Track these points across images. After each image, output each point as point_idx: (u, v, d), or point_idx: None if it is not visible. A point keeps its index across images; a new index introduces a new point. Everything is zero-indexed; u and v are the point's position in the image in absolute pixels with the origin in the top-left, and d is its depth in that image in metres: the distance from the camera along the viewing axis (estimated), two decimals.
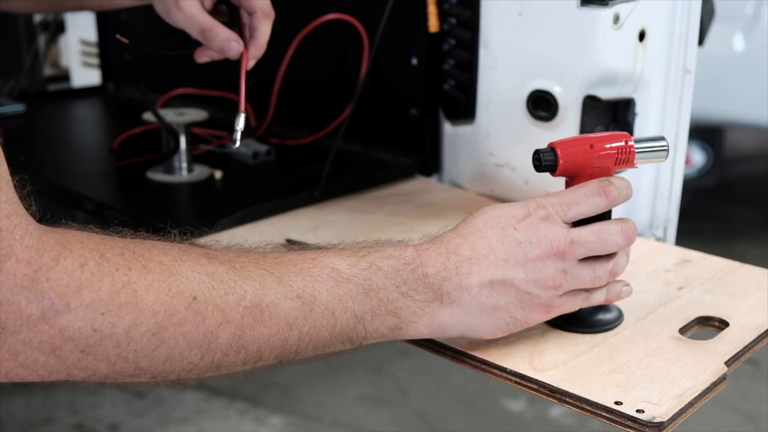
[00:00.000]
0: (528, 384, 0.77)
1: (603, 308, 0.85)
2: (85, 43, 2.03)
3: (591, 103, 1.06)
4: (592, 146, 0.80)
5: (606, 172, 0.81)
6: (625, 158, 0.81)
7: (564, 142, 0.81)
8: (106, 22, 1.75)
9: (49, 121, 1.47)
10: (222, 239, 1.03)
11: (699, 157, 3.29)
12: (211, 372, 0.62)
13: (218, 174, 1.22)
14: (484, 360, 0.79)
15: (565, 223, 0.77)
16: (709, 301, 0.90)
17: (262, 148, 1.30)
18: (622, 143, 0.81)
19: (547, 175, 0.82)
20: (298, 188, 1.16)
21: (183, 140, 1.21)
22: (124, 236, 0.63)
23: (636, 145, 0.81)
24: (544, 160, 0.80)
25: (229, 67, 1.04)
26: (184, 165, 1.22)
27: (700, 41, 1.10)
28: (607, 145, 0.81)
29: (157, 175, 1.21)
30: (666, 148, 0.83)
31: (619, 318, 0.86)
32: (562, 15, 1.05)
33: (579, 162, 0.80)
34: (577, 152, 0.80)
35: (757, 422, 2.38)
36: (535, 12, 1.07)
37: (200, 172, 1.23)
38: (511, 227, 0.75)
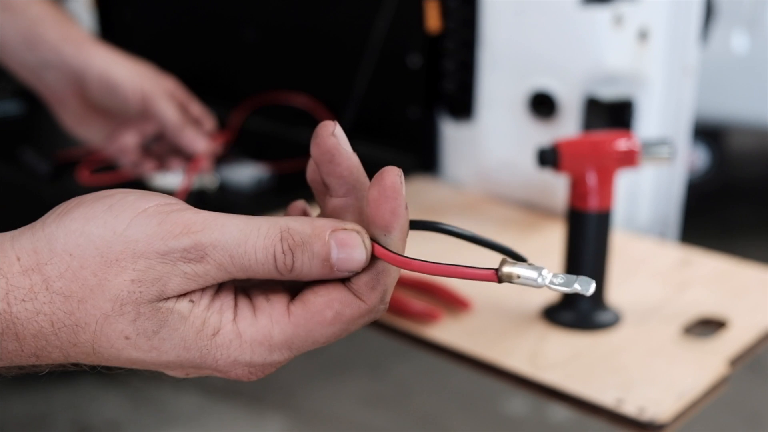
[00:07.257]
0: (528, 384, 0.76)
1: (602, 308, 0.85)
2: None
3: (591, 103, 1.06)
4: (595, 145, 0.80)
5: (608, 172, 0.81)
6: (629, 159, 0.81)
7: (567, 140, 0.81)
8: (107, 22, 1.74)
9: (49, 120, 1.47)
10: None
11: (700, 157, 3.29)
12: None
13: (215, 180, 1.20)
14: (484, 360, 0.79)
15: None
16: (711, 301, 0.90)
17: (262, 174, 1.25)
18: (627, 144, 0.81)
19: (548, 173, 0.82)
20: (298, 188, 1.15)
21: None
22: None
23: (640, 147, 0.81)
24: (547, 157, 0.80)
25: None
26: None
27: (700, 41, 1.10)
28: (611, 145, 0.81)
29: (159, 181, 1.20)
30: (671, 151, 0.82)
31: (617, 318, 0.86)
32: (562, 14, 1.04)
33: (581, 160, 0.80)
34: (579, 151, 0.80)
35: (757, 422, 2.38)
36: (535, 11, 1.07)
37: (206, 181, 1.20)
38: None
